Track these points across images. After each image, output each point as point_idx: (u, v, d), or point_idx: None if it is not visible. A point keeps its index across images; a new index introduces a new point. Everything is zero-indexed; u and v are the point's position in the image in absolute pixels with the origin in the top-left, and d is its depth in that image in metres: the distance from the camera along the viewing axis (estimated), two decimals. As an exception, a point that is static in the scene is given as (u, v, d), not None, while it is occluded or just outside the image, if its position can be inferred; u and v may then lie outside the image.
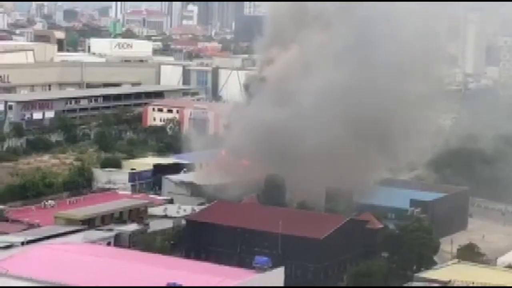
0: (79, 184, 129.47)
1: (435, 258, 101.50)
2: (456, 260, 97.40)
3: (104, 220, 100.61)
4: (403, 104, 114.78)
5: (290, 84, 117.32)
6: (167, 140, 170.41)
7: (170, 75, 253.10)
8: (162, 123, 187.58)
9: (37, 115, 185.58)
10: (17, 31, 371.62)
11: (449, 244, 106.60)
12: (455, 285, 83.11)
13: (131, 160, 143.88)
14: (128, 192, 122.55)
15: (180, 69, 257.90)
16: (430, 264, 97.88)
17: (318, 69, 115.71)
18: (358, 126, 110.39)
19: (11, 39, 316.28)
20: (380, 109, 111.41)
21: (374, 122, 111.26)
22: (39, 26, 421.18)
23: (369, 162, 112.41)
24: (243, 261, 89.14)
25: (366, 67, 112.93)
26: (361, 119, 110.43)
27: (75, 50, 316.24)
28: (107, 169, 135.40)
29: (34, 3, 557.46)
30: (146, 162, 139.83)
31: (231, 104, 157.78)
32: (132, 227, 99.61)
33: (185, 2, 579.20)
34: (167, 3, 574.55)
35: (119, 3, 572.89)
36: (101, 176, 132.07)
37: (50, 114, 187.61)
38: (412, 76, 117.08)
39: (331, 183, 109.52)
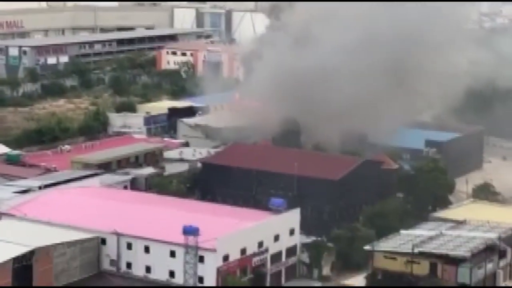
0: (95, 128, 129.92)
1: (451, 197, 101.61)
2: (471, 199, 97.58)
3: (120, 164, 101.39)
4: (424, 46, 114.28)
5: (312, 29, 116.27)
6: (181, 83, 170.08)
7: (184, 18, 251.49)
8: (176, 66, 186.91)
9: (52, 60, 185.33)
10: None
11: (464, 184, 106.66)
12: (471, 224, 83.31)
13: (146, 104, 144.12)
14: (144, 136, 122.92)
15: (194, 12, 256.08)
16: (445, 204, 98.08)
17: (341, 14, 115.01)
18: (380, 68, 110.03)
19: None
20: (402, 51, 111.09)
21: (395, 64, 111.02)
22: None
23: (389, 105, 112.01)
24: (259, 203, 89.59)
25: (388, 12, 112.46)
26: (383, 62, 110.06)
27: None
28: (122, 113, 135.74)
29: None
30: (161, 106, 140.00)
31: (246, 43, 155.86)
32: (148, 170, 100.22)
33: None
34: None
35: None
36: (116, 120, 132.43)
37: (64, 59, 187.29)
38: (434, 19, 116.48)
39: (349, 125, 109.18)
